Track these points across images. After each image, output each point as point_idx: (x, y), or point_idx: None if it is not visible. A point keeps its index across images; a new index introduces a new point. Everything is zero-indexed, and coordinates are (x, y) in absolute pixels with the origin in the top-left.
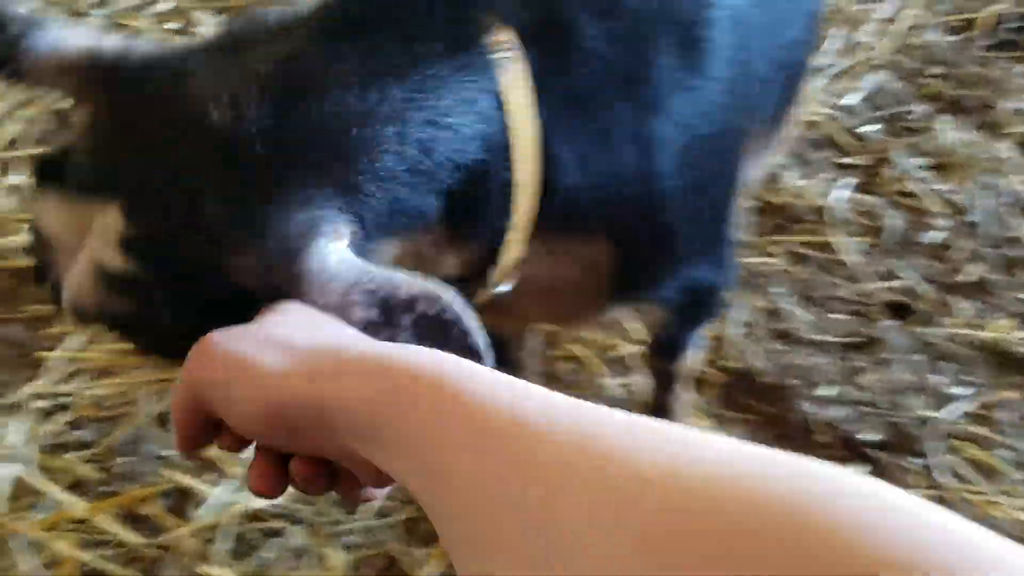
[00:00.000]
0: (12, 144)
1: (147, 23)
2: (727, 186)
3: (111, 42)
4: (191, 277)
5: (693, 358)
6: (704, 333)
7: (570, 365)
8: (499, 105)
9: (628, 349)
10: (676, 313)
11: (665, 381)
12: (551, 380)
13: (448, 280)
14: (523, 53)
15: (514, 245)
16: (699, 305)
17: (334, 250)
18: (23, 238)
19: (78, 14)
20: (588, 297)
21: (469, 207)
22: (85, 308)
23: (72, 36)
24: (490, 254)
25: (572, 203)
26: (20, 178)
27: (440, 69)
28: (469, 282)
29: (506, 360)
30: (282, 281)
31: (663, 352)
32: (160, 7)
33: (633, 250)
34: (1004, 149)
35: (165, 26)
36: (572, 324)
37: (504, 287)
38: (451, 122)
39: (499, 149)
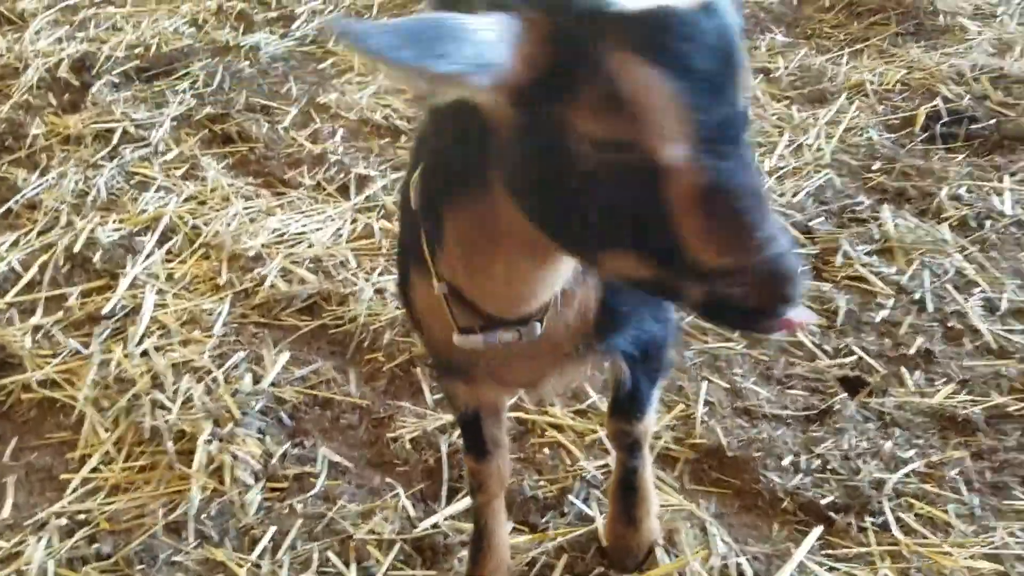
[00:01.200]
0: (32, 287)
1: (156, 171)
2: None
3: None
4: None
5: (651, 420)
6: (659, 395)
7: (549, 451)
8: None
9: (604, 432)
10: (633, 367)
11: (630, 447)
12: (531, 465)
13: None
14: None
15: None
16: (651, 358)
17: None
18: (43, 373)
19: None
20: (576, 344)
21: None
22: None
23: None
24: None
25: None
26: (39, 320)
27: None
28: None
29: (483, 438)
30: None
31: (624, 411)
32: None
33: (609, 294)
34: (944, 232)
35: (174, 172)
36: (557, 379)
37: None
38: None
39: None
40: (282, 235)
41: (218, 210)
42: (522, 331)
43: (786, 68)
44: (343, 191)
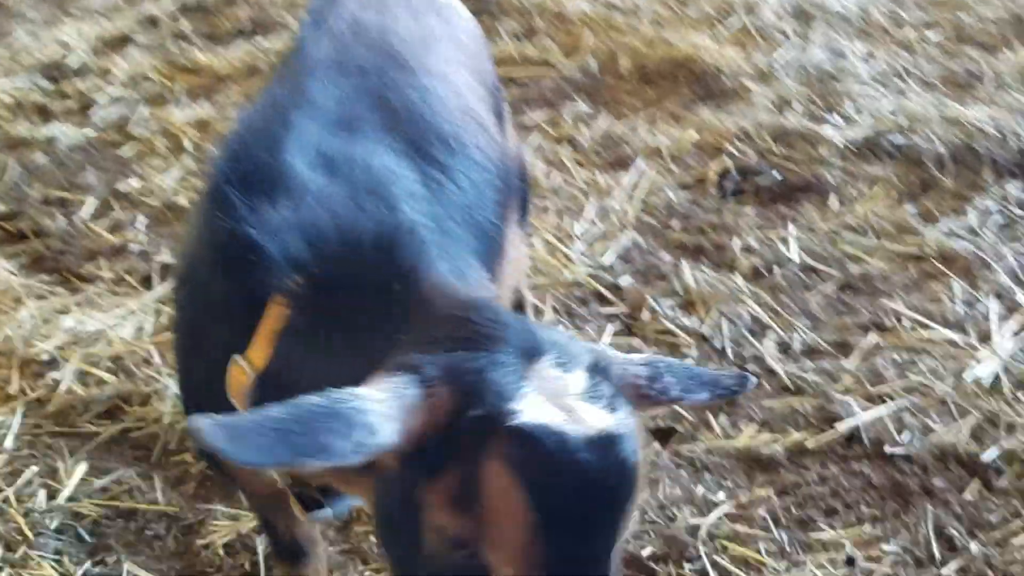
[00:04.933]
0: None
1: None
2: None
3: None
4: None
5: None
6: None
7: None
8: None
9: None
10: None
11: None
12: (356, 554)
13: None
14: None
15: None
16: None
17: None
18: None
19: None
20: None
21: None
22: None
23: None
24: None
25: None
26: None
27: None
28: None
29: (297, 539)
30: None
31: None
32: None
33: None
34: (738, 281)
35: None
36: None
37: None
38: None
39: None
40: (78, 335)
41: (7, 313)
42: None
43: (590, 135)
44: (146, 282)
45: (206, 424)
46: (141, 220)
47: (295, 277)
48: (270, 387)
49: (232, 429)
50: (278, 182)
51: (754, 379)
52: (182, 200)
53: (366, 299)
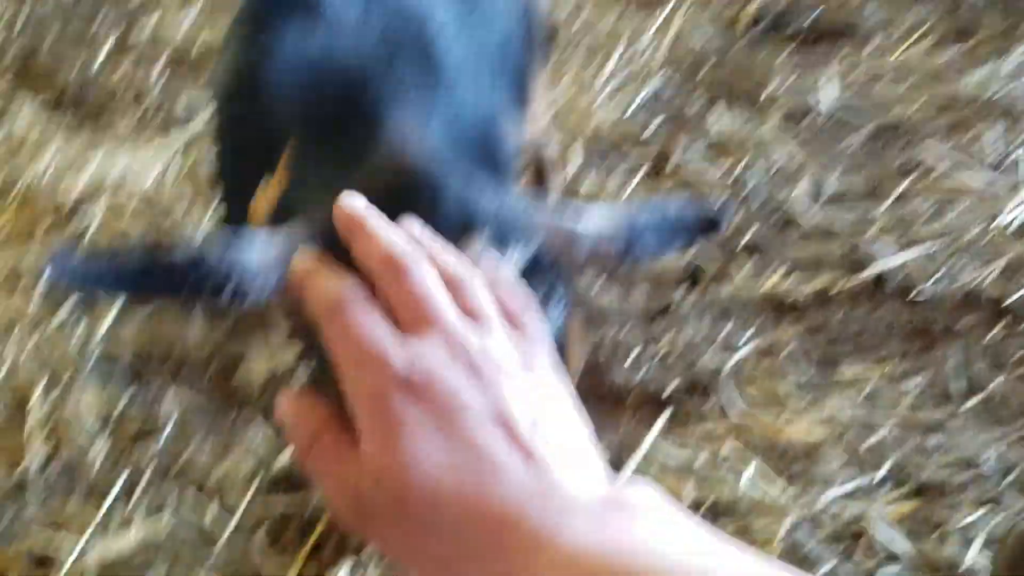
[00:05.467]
0: None
1: None
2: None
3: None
4: None
5: None
6: None
7: None
8: None
9: None
10: None
11: None
12: None
13: None
14: None
15: None
16: None
17: None
18: None
19: None
20: None
21: None
22: None
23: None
24: None
25: None
26: None
27: None
28: None
29: None
30: None
31: None
32: None
33: None
34: (770, 127)
35: None
36: None
37: None
38: None
39: None
40: (104, 178)
41: (30, 156)
42: None
43: None
44: (167, 125)
45: (57, 255)
46: (158, 64)
47: (301, 108)
48: (282, 209)
49: (86, 262)
50: (314, 7)
51: (729, 209)
52: (199, 44)
53: (337, 139)
